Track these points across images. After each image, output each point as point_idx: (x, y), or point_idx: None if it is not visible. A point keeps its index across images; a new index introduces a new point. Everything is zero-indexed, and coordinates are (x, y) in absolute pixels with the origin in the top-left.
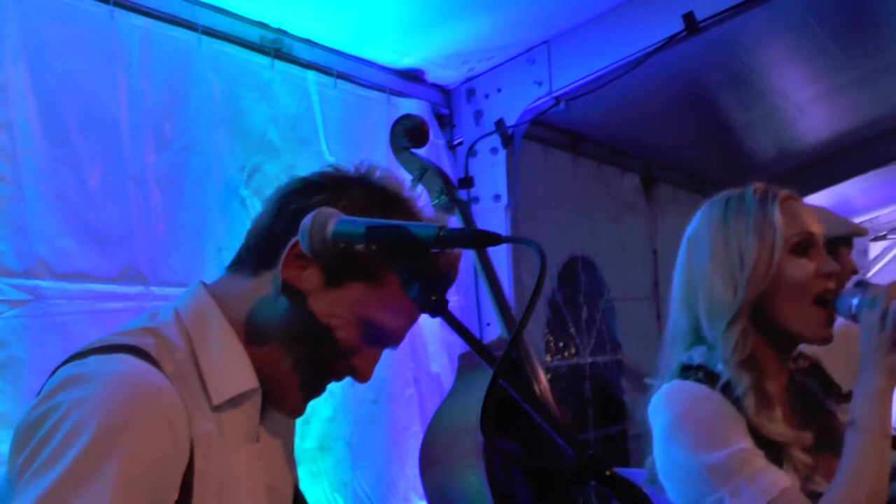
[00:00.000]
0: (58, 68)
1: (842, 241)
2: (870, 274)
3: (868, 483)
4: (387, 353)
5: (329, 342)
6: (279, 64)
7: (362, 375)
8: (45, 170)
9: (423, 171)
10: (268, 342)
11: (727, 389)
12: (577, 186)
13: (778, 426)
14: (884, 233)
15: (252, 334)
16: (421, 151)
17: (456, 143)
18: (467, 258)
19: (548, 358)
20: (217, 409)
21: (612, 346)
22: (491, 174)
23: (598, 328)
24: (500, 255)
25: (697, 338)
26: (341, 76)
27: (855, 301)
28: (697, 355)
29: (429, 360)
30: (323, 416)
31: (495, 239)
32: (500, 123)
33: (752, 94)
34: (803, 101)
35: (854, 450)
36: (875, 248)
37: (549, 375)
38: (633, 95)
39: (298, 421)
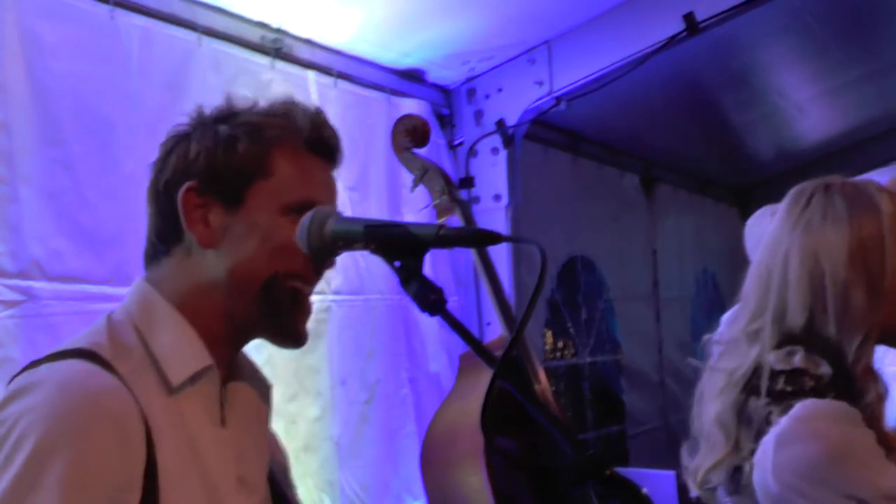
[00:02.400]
0: (56, 68)
1: None
2: None
3: None
4: (382, 354)
5: (270, 253)
6: (279, 64)
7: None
8: (41, 170)
9: (425, 172)
10: (219, 300)
11: (853, 397)
12: (577, 186)
13: (885, 428)
14: None
15: (205, 303)
16: (422, 151)
17: (456, 143)
18: (468, 257)
19: (547, 357)
20: (177, 390)
21: (611, 346)
22: (491, 174)
23: (597, 328)
24: (500, 255)
25: (806, 332)
26: (341, 76)
27: None
28: (797, 358)
29: (427, 359)
30: (309, 417)
31: (496, 238)
32: (500, 123)
33: (752, 94)
34: (803, 101)
35: None
36: None
37: (548, 375)
38: (633, 95)
39: (285, 421)
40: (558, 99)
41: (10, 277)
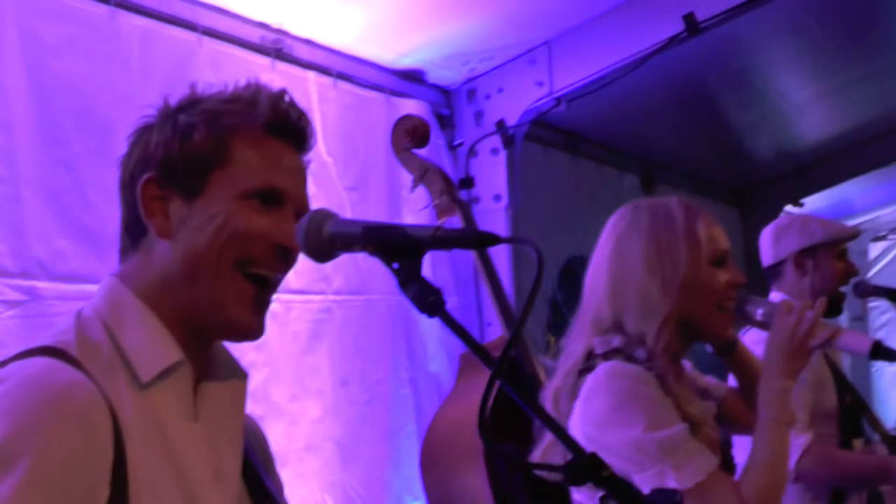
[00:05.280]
0: (56, 68)
1: (821, 247)
2: (870, 274)
3: (782, 466)
4: (383, 354)
5: (226, 240)
6: (279, 64)
7: (286, 237)
8: (42, 170)
9: (424, 172)
10: (182, 289)
11: (656, 375)
12: (577, 186)
13: (695, 407)
14: (884, 233)
15: (165, 296)
16: (422, 152)
17: (456, 143)
18: (468, 257)
19: (548, 358)
20: (147, 386)
21: None
22: (491, 175)
23: None
24: (500, 256)
25: (616, 328)
26: (341, 76)
27: (760, 310)
28: (615, 341)
29: (427, 360)
30: (310, 417)
31: (494, 239)
32: (500, 124)
33: (752, 94)
34: (803, 101)
35: (768, 439)
36: (875, 249)
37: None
38: (633, 96)
39: (286, 422)
40: (558, 99)
41: (12, 277)
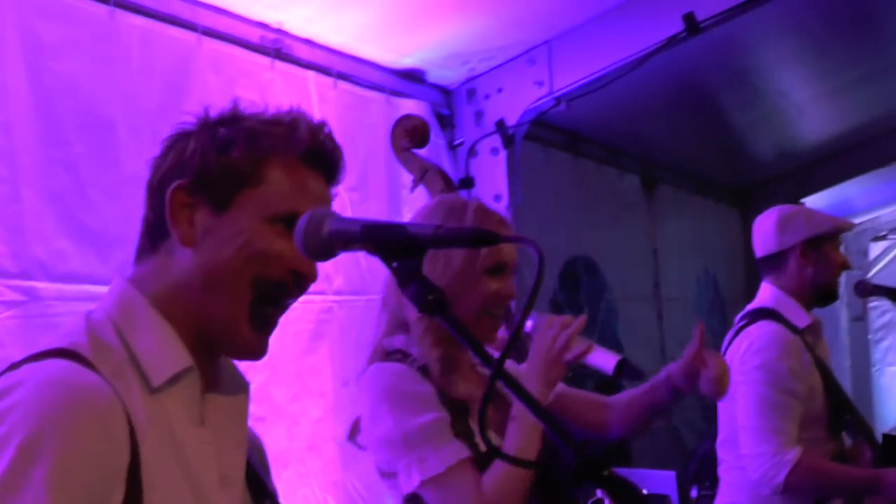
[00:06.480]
0: (56, 68)
1: (825, 238)
2: (870, 274)
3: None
4: None
5: (247, 258)
6: (279, 64)
7: (304, 264)
8: (42, 170)
9: (424, 172)
10: (196, 299)
11: (421, 366)
12: (577, 186)
13: (460, 386)
14: (884, 233)
15: (178, 303)
16: (421, 152)
17: (456, 143)
18: None
19: None
20: (157, 391)
21: (613, 347)
22: (491, 174)
23: (599, 328)
24: None
25: (400, 325)
26: (341, 76)
27: (528, 322)
28: (398, 341)
29: None
30: (312, 418)
31: (493, 238)
32: (500, 124)
33: (753, 94)
34: (803, 101)
35: (517, 437)
36: (875, 249)
37: None
38: (633, 96)
39: (288, 422)
40: (558, 99)
41: (11, 277)
